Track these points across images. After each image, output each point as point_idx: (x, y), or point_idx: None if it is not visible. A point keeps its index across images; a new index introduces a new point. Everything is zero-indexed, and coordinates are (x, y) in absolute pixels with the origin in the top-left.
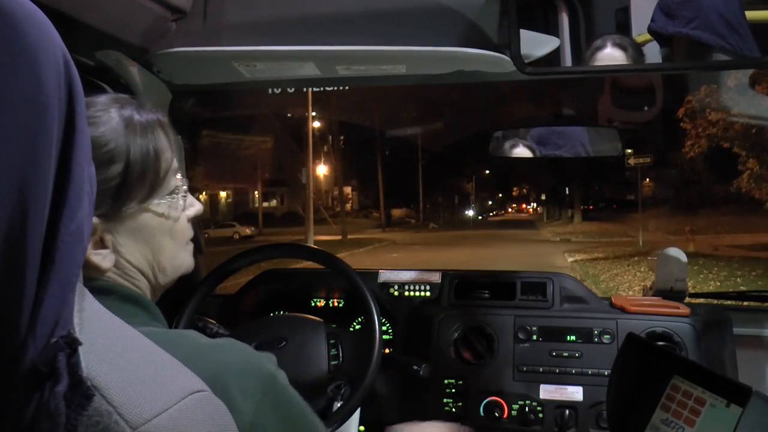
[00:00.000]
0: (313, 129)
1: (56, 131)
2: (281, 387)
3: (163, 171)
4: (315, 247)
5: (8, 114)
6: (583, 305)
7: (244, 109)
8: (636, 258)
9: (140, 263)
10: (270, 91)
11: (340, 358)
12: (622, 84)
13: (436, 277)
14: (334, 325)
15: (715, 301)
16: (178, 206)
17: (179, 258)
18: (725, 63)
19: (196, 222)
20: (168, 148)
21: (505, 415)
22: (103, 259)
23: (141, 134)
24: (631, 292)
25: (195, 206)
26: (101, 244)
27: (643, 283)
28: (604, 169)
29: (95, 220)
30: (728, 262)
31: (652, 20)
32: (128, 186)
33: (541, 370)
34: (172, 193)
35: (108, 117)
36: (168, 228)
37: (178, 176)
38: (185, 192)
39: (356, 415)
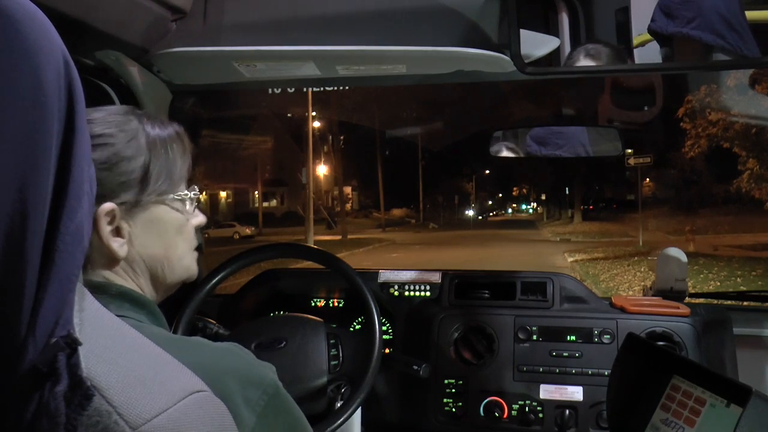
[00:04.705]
0: (313, 129)
1: (56, 131)
2: (284, 399)
3: (178, 172)
4: (315, 247)
5: (8, 114)
6: (583, 305)
7: (244, 109)
8: (636, 258)
9: (150, 257)
10: (270, 91)
11: (340, 358)
12: (622, 84)
13: (436, 277)
14: (334, 325)
15: (715, 301)
16: (189, 210)
17: (187, 259)
18: (725, 63)
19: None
20: (182, 156)
21: (505, 415)
22: (120, 246)
23: (159, 136)
24: (631, 292)
25: (200, 217)
26: (118, 233)
27: (643, 283)
28: (604, 169)
29: (115, 207)
30: (728, 262)
31: (652, 20)
32: (148, 179)
33: (541, 370)
34: (185, 195)
35: (128, 119)
36: (180, 225)
37: (192, 185)
38: (195, 198)
39: (358, 415)
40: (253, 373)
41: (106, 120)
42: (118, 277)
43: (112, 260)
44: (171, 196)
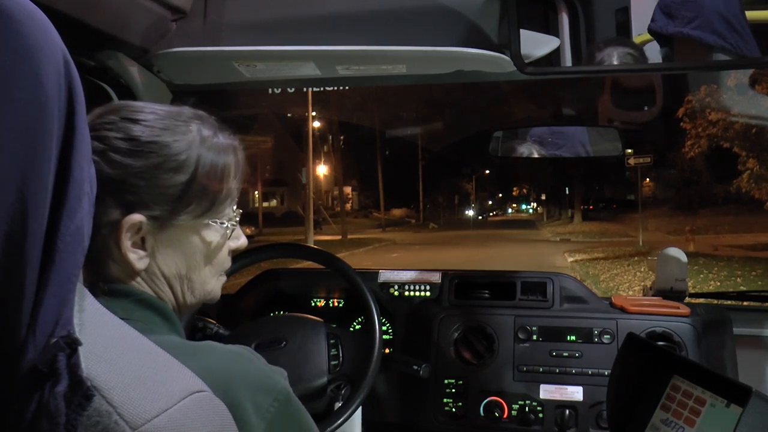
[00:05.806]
0: (313, 129)
1: (56, 131)
2: (295, 406)
3: (223, 195)
4: (315, 247)
5: (8, 114)
6: (583, 305)
7: (244, 109)
8: (636, 258)
9: (171, 275)
10: (270, 91)
11: (341, 358)
12: (622, 84)
13: (436, 277)
14: (334, 325)
15: (715, 301)
16: (225, 235)
17: (210, 284)
18: (725, 63)
19: None
20: (234, 176)
21: (505, 415)
22: (138, 259)
23: (214, 153)
24: (631, 292)
25: (240, 240)
26: (141, 245)
27: (643, 283)
28: (604, 169)
29: (144, 218)
30: (728, 262)
31: (653, 20)
32: (187, 198)
33: (541, 370)
34: (224, 219)
35: (186, 129)
36: (208, 253)
37: (234, 206)
38: (236, 223)
39: (358, 415)
40: (263, 379)
41: (157, 124)
42: (138, 285)
43: (130, 270)
44: (207, 221)
